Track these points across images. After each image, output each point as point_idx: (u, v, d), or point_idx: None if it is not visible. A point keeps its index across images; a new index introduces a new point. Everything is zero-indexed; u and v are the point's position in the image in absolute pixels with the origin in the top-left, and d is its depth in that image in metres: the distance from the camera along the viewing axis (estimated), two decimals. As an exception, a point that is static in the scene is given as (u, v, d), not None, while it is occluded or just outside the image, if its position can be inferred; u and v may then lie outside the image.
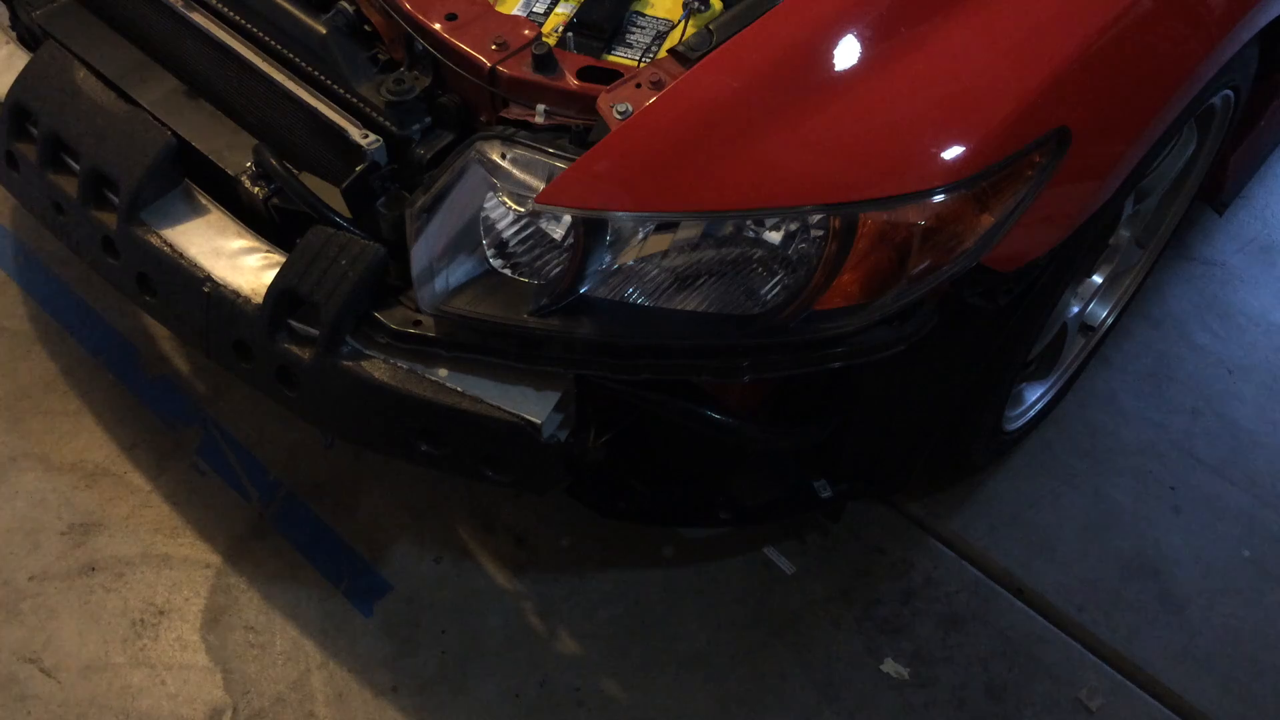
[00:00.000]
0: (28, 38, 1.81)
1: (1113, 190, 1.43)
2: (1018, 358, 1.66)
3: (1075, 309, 1.90)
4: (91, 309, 2.19)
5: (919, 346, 1.36)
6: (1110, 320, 2.07)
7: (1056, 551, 1.92)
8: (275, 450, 2.02)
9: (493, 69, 1.34)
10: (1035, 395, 1.96)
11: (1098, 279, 1.99)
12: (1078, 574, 1.90)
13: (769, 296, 1.31)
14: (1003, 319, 1.44)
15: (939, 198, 1.24)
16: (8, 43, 1.76)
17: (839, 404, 1.54)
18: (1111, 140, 1.36)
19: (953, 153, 1.23)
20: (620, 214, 1.27)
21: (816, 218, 1.26)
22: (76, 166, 1.58)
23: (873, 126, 1.24)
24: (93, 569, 1.87)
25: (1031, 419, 1.97)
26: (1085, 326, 2.03)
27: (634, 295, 1.33)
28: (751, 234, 1.30)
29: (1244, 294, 2.30)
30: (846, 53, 1.26)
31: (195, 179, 1.58)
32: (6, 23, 1.86)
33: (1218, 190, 2.09)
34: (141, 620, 1.82)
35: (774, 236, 1.31)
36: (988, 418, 1.74)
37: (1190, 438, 2.07)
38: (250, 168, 1.51)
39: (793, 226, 1.28)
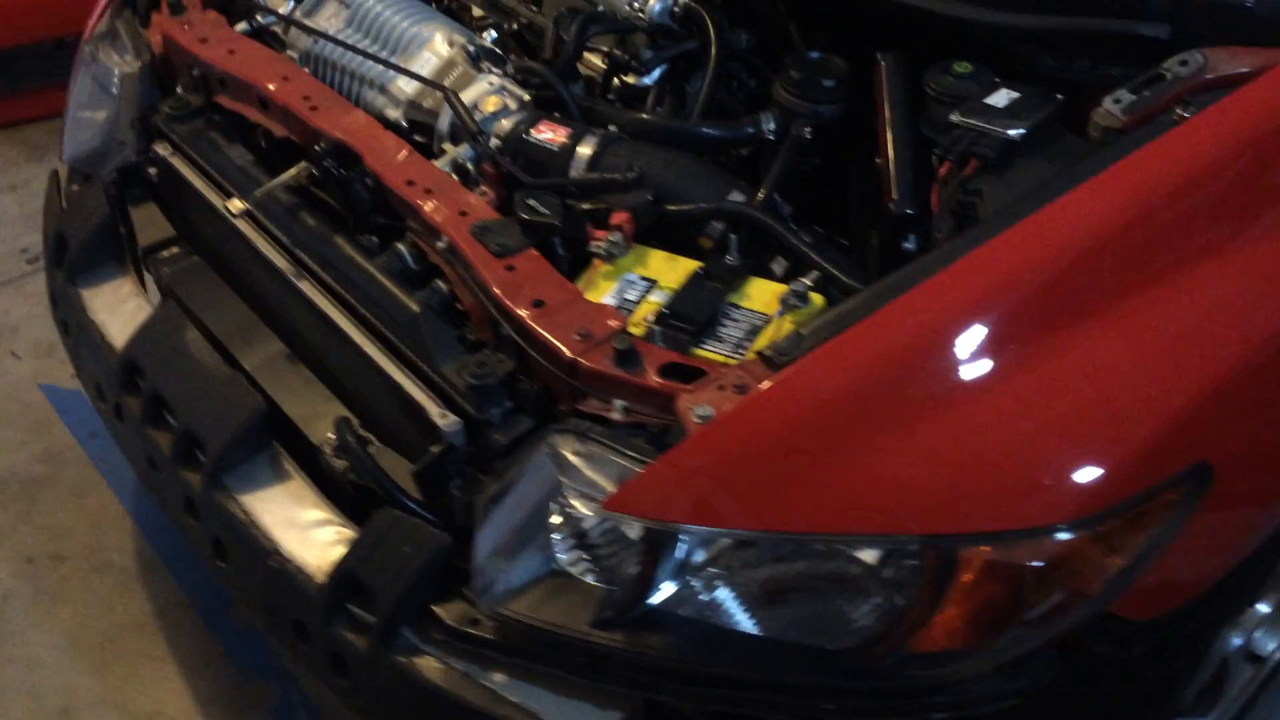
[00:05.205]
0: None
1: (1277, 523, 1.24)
2: (1165, 710, 1.43)
3: (1238, 641, 1.66)
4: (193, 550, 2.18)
5: (1036, 699, 1.18)
6: (1283, 648, 1.79)
7: None
8: None
9: (573, 360, 1.28)
10: (1197, 732, 1.70)
11: (1264, 608, 1.74)
12: None
13: (859, 623, 1.17)
14: (1141, 670, 1.24)
15: (1055, 536, 1.08)
16: (136, 295, 1.83)
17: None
18: (1270, 471, 1.19)
19: (1070, 487, 1.09)
20: (694, 528, 1.16)
21: (912, 548, 1.12)
22: (174, 424, 1.59)
23: (979, 450, 1.11)
24: (145, 836, 1.78)
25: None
26: (1252, 656, 1.77)
27: (706, 612, 1.20)
28: (842, 551, 1.17)
29: None
30: (955, 366, 1.14)
31: (285, 442, 1.56)
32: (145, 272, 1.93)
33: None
34: None
35: (869, 556, 1.17)
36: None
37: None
38: (332, 439, 1.47)
39: (880, 548, 1.14)
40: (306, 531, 1.46)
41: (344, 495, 1.50)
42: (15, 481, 2.34)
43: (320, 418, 1.53)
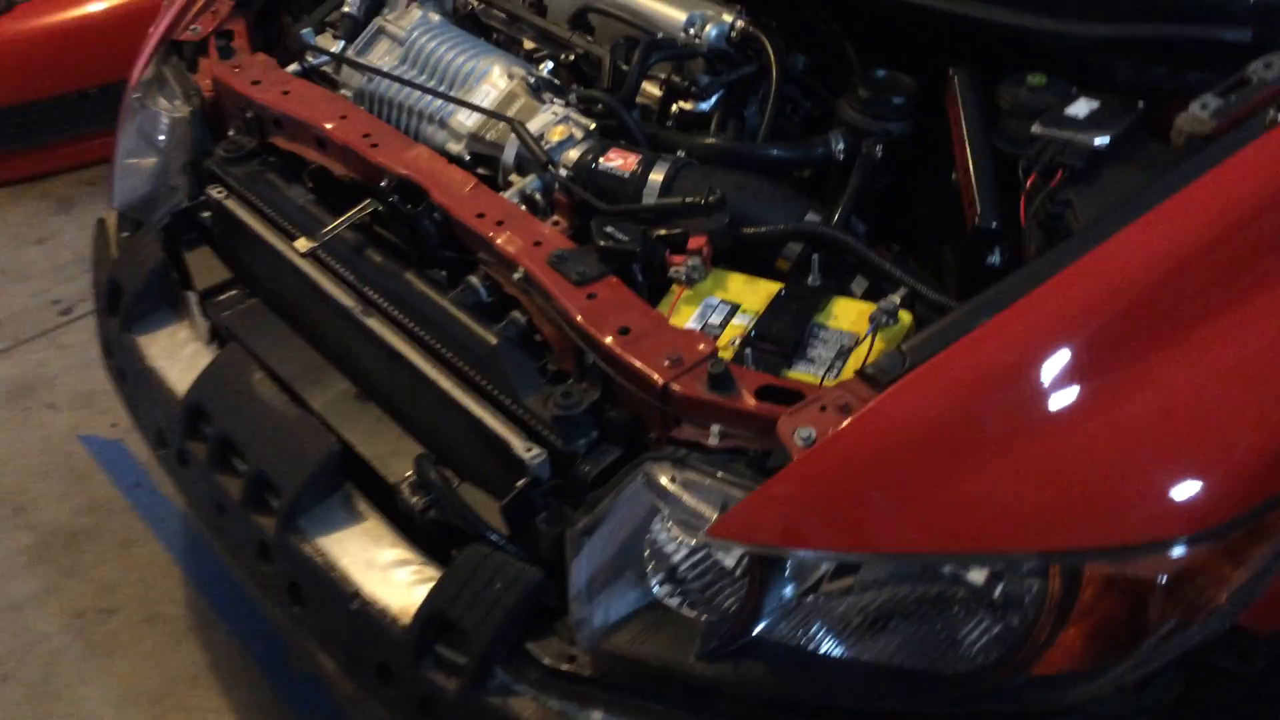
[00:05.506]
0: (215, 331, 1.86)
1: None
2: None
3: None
4: (247, 598, 2.14)
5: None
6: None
7: None
8: (417, 764, 1.87)
9: (665, 386, 1.26)
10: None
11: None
12: None
13: (974, 648, 1.14)
14: (1261, 685, 1.21)
15: (1177, 550, 1.06)
16: (194, 339, 1.80)
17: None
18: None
19: (1194, 498, 1.06)
20: (803, 553, 1.13)
21: (1030, 565, 1.09)
22: (243, 468, 1.56)
23: (1098, 463, 1.09)
24: None
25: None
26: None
27: (815, 639, 1.17)
28: (951, 572, 1.14)
29: None
30: (1064, 379, 1.12)
31: (358, 482, 1.53)
32: (197, 315, 1.91)
33: None
34: None
35: (977, 577, 1.14)
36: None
37: None
38: (410, 476, 1.45)
39: (999, 567, 1.12)
40: (386, 572, 1.43)
41: (419, 534, 1.47)
42: (61, 534, 2.31)
43: (395, 456, 1.51)
